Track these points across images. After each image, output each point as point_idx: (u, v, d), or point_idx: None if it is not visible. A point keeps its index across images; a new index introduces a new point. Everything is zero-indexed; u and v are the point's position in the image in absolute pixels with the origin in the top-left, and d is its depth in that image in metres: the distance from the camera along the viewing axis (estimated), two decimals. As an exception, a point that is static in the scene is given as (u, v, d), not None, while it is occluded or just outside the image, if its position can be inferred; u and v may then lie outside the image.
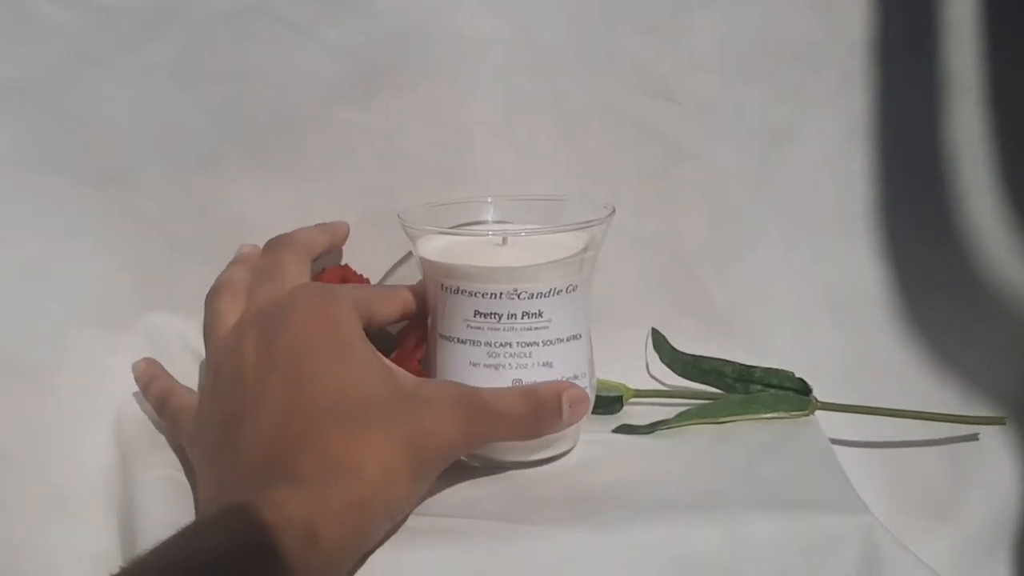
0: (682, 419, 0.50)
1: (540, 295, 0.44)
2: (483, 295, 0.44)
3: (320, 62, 0.50)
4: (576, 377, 0.46)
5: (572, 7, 0.52)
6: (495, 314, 0.44)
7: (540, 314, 0.44)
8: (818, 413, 0.51)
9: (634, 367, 0.54)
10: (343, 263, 0.52)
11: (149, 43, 0.49)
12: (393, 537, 0.40)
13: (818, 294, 0.55)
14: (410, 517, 0.41)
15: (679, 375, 0.53)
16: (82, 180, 0.50)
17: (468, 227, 0.48)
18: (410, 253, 0.51)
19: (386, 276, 0.54)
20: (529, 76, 0.52)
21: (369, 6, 0.50)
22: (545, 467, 0.46)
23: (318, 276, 0.51)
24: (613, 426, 0.50)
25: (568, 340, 0.45)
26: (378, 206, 0.51)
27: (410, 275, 0.53)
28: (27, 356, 0.49)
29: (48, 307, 0.50)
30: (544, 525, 0.41)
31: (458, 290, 0.45)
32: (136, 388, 0.51)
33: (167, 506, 0.43)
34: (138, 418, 0.50)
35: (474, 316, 0.44)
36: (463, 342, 0.45)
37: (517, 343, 0.44)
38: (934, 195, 0.55)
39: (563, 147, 0.53)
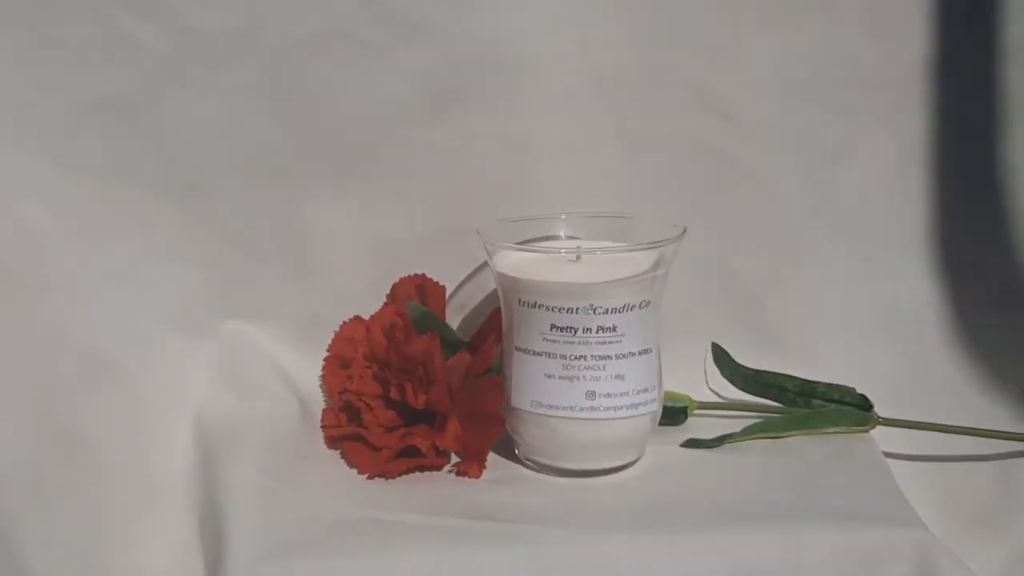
0: (750, 433, 0.51)
1: (614, 310, 0.46)
2: (560, 309, 0.46)
3: (393, 83, 0.52)
4: (646, 390, 0.47)
5: (633, 29, 0.53)
6: (571, 328, 0.46)
7: (614, 328, 0.46)
8: (877, 429, 0.52)
9: (693, 381, 0.55)
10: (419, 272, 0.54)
11: (232, 63, 0.51)
12: (461, 540, 0.42)
13: (873, 311, 0.56)
14: (475, 522, 0.43)
15: (740, 388, 0.54)
16: (168, 192, 0.52)
17: (542, 243, 0.50)
18: (481, 266, 0.53)
19: (461, 286, 0.55)
20: (592, 96, 0.53)
21: (441, 29, 0.52)
22: (611, 476, 0.48)
23: (396, 286, 0.53)
24: (677, 437, 0.51)
25: (640, 354, 0.47)
26: (446, 220, 0.53)
27: (480, 287, 0.54)
28: (114, 356, 0.51)
29: (134, 311, 0.52)
30: (610, 532, 0.43)
31: (535, 304, 0.46)
32: (214, 389, 0.52)
33: (247, 506, 0.45)
34: (219, 419, 0.51)
35: (550, 330, 0.46)
36: (539, 355, 0.47)
37: (591, 356, 0.46)
38: (990, 214, 0.56)
39: (624, 165, 0.54)
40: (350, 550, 0.42)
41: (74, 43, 0.50)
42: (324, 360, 0.53)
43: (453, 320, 0.55)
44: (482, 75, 0.52)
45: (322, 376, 0.53)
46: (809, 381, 0.53)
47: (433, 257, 0.54)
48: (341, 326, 0.53)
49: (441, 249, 0.54)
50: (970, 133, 0.56)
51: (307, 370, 0.54)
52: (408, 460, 0.48)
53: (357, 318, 0.53)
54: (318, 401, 0.54)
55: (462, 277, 0.55)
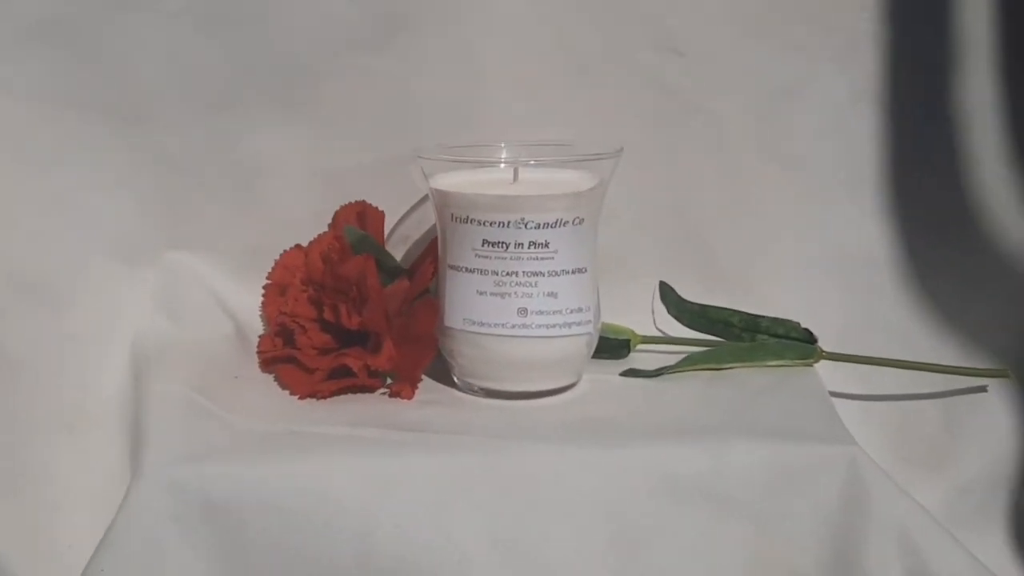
0: (687, 363, 0.51)
1: (546, 225, 0.45)
2: (491, 224, 0.45)
3: (338, 7, 0.52)
4: (580, 310, 0.47)
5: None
6: (502, 243, 0.45)
7: (546, 244, 0.46)
8: (822, 368, 0.52)
9: (641, 320, 0.55)
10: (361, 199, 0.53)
11: (172, -13, 0.51)
12: (383, 448, 0.41)
13: (823, 251, 0.56)
14: (399, 432, 0.42)
15: (686, 325, 0.54)
16: (109, 117, 0.52)
17: (480, 162, 0.49)
18: (425, 198, 0.53)
19: (406, 216, 0.55)
20: (539, 24, 0.53)
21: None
22: (545, 399, 0.47)
23: (337, 213, 0.53)
24: (618, 369, 0.51)
25: (574, 273, 0.46)
26: (393, 148, 0.52)
27: (425, 218, 0.54)
28: (48, 280, 0.51)
29: (71, 236, 0.52)
30: (538, 442, 0.43)
31: (467, 219, 0.46)
32: (153, 318, 0.52)
33: (173, 418, 0.44)
34: (153, 344, 0.51)
35: (482, 245, 0.46)
36: (471, 271, 0.46)
37: (523, 272, 0.46)
38: (941, 157, 0.55)
39: (572, 94, 0.54)
40: (267, 457, 0.42)
41: (15, -36, 0.50)
42: (264, 288, 0.53)
43: (397, 251, 0.55)
44: (429, 1, 0.52)
45: (262, 304, 0.53)
46: (754, 316, 0.53)
47: (379, 187, 0.53)
48: (282, 254, 0.53)
49: (387, 179, 0.53)
50: (922, 72, 0.55)
51: (248, 300, 0.54)
52: (340, 380, 0.48)
53: (298, 246, 0.53)
54: (258, 329, 0.54)
55: (407, 208, 0.55)
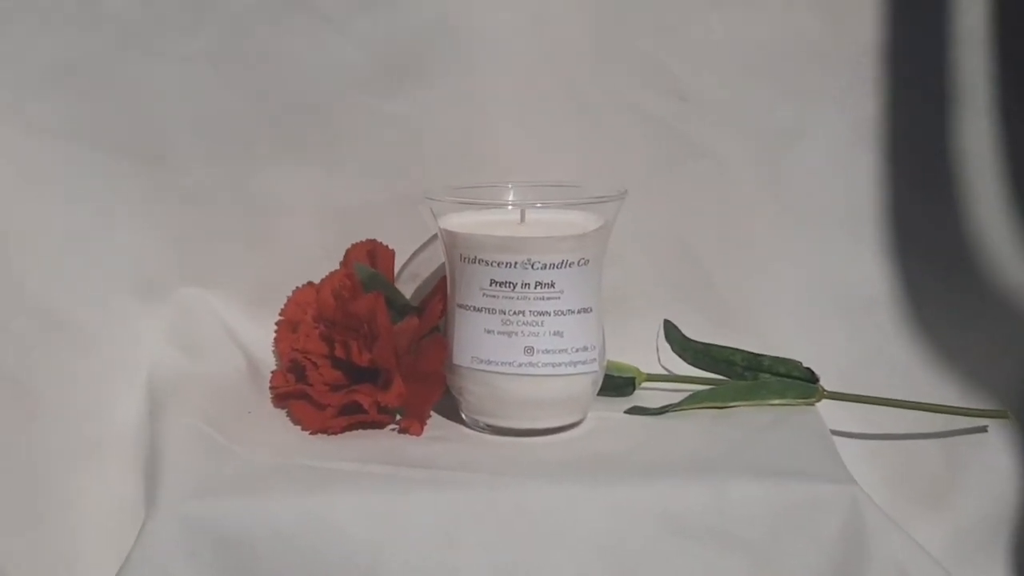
0: (691, 402, 0.52)
1: (552, 266, 0.46)
2: (498, 264, 0.46)
3: (350, 52, 0.53)
4: (586, 348, 0.48)
5: (588, 4, 0.54)
6: (509, 283, 0.46)
7: (552, 285, 0.46)
8: (823, 407, 0.52)
9: (646, 358, 0.55)
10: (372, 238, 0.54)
11: (191, 31, 0.52)
12: (392, 484, 0.42)
13: (824, 291, 0.57)
14: (408, 468, 0.43)
15: (690, 364, 0.54)
16: (127, 157, 0.53)
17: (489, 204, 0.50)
18: (434, 236, 0.54)
19: (416, 254, 0.56)
20: (546, 70, 0.54)
21: (396, 0, 0.52)
22: (551, 436, 0.48)
23: (348, 251, 0.54)
24: (623, 407, 0.52)
25: (579, 312, 0.47)
26: (402, 189, 0.54)
27: (434, 256, 0.55)
28: (67, 314, 0.52)
29: (91, 273, 0.53)
30: (543, 479, 0.43)
31: (475, 259, 0.47)
32: (168, 352, 0.53)
33: (187, 452, 0.45)
34: (168, 378, 0.52)
35: (490, 285, 0.47)
36: (479, 310, 0.47)
37: (530, 312, 0.46)
38: (940, 197, 0.56)
39: (578, 138, 0.55)
40: (278, 491, 0.43)
41: (40, 6, 0.51)
42: (276, 325, 0.54)
43: (407, 288, 0.56)
44: (438, 46, 0.53)
45: (274, 340, 0.54)
46: (756, 355, 0.53)
47: (389, 226, 0.55)
48: (294, 291, 0.54)
49: (397, 218, 0.55)
50: (921, 117, 0.56)
51: (260, 336, 0.55)
52: (351, 416, 0.49)
53: (310, 283, 0.54)
54: (270, 365, 0.54)
55: (417, 246, 0.56)
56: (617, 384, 0.53)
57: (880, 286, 0.56)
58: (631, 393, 0.53)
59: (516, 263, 0.46)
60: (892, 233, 0.57)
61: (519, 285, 0.46)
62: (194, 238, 0.55)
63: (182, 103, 0.53)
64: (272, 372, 0.53)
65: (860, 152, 0.56)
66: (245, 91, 0.53)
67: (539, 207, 0.49)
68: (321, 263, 0.54)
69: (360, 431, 0.49)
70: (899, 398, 0.52)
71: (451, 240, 0.48)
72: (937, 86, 0.56)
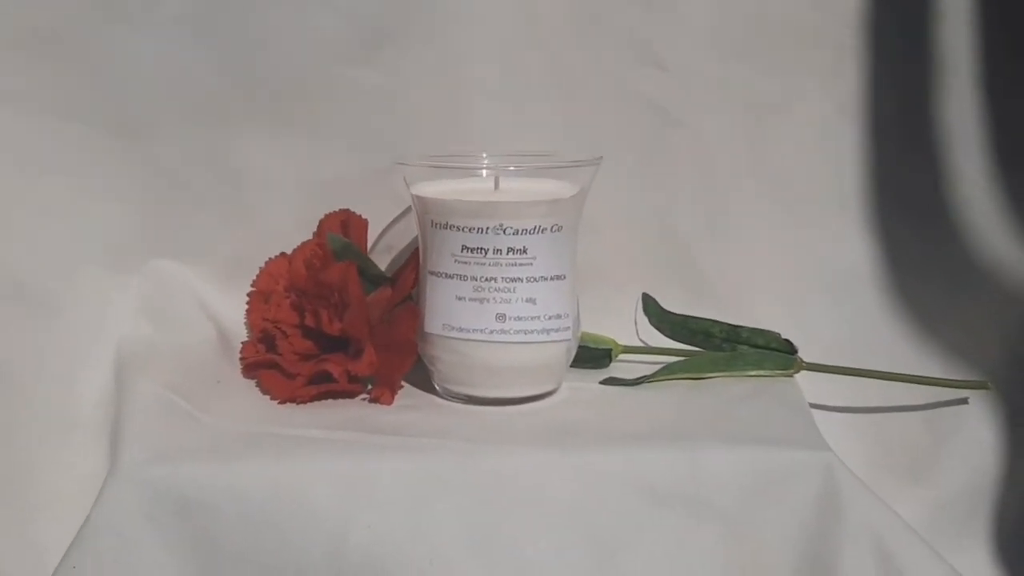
0: (666, 373, 0.51)
1: (525, 231, 0.46)
2: (470, 229, 0.46)
3: (326, 21, 0.52)
4: (559, 316, 0.47)
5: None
6: (481, 249, 0.46)
7: (524, 251, 0.46)
8: (804, 381, 0.52)
9: (623, 332, 0.55)
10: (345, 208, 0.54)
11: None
12: (360, 450, 0.41)
13: (806, 265, 0.56)
14: (378, 436, 0.42)
15: (668, 336, 0.54)
16: (101, 127, 0.52)
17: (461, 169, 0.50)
18: (409, 208, 0.53)
19: (391, 226, 0.55)
20: (526, 40, 0.53)
21: (377, -34, 0.52)
22: (524, 405, 0.48)
23: (321, 221, 0.53)
24: (599, 378, 0.51)
25: (552, 279, 0.47)
26: (378, 160, 0.53)
27: (409, 228, 0.54)
28: (38, 286, 0.51)
29: (60, 242, 0.52)
30: (515, 447, 0.43)
31: (446, 225, 0.46)
32: (138, 324, 0.52)
33: (152, 419, 0.44)
34: (137, 350, 0.51)
35: (461, 251, 0.46)
36: (450, 277, 0.46)
37: (502, 278, 0.46)
38: (924, 172, 0.55)
39: (556, 110, 0.54)
40: (243, 457, 0.42)
41: (9, -27, 0.50)
42: (248, 296, 0.53)
43: (381, 260, 0.56)
44: (416, 16, 0.52)
45: (246, 312, 0.53)
46: (735, 326, 0.53)
47: (365, 197, 0.54)
48: (267, 263, 0.53)
49: (372, 189, 0.54)
50: (904, 92, 0.55)
51: (233, 308, 0.54)
52: (320, 386, 0.48)
53: (283, 254, 0.53)
54: (242, 336, 0.54)
55: (392, 217, 0.55)
56: (594, 356, 0.52)
57: (862, 259, 0.56)
58: (608, 365, 0.53)
59: (488, 228, 0.45)
60: (875, 207, 0.56)
61: (491, 251, 0.46)
62: (167, 210, 0.54)
63: (156, 73, 0.52)
64: (243, 343, 0.52)
65: (843, 126, 0.55)
66: (220, 61, 0.52)
67: (512, 171, 0.48)
68: (296, 235, 0.54)
69: (330, 401, 0.48)
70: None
71: (423, 207, 0.48)
72: (921, 60, 0.55)
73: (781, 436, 0.44)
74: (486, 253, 0.46)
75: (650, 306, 0.54)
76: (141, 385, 0.47)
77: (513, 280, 0.46)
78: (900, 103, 0.55)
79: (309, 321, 0.49)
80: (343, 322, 0.48)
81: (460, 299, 0.46)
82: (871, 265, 0.56)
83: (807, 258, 0.56)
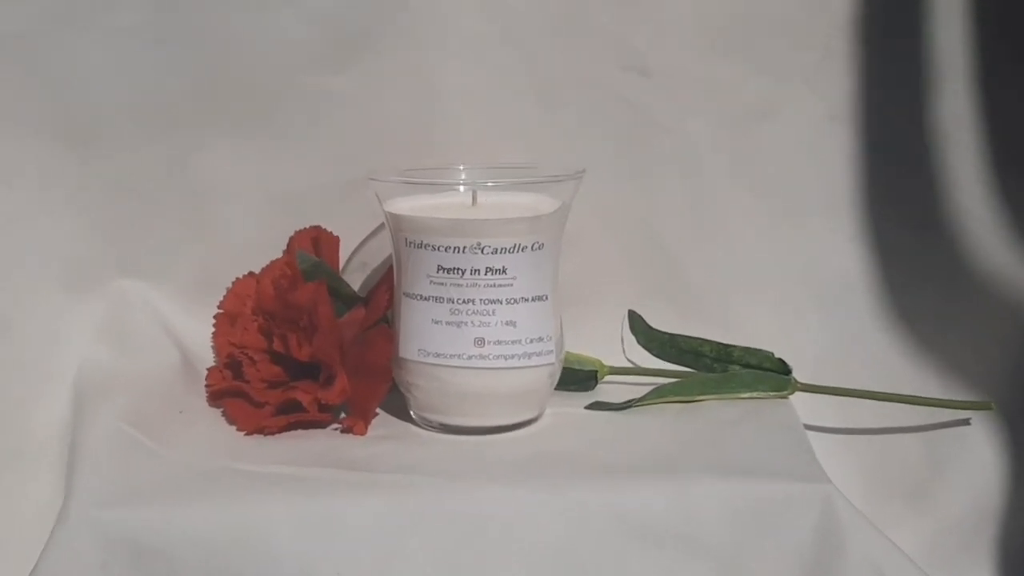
0: (655, 396, 0.49)
1: (504, 250, 0.43)
2: (446, 249, 0.43)
3: (294, 27, 0.50)
4: (541, 339, 0.45)
5: (545, -25, 0.51)
6: (458, 269, 0.43)
7: (504, 271, 0.44)
8: (797, 399, 0.50)
9: (609, 351, 0.53)
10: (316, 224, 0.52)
11: (124, 3, 0.49)
12: (328, 488, 0.39)
13: (797, 277, 0.54)
14: (347, 472, 0.40)
15: (656, 355, 0.52)
16: (56, 137, 0.50)
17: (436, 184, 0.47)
18: (382, 225, 0.51)
19: (364, 242, 0.53)
20: (500, 43, 0.51)
21: (346, -31, 0.50)
22: (505, 434, 0.45)
23: (291, 238, 0.51)
24: (584, 402, 0.49)
25: (533, 300, 0.45)
26: (350, 173, 0.51)
27: (385, 245, 0.51)
28: (-5, 308, 0.48)
29: (16, 263, 0.49)
30: (490, 482, 0.40)
31: (421, 244, 0.44)
32: (98, 348, 0.50)
33: (107, 456, 0.42)
34: (96, 377, 0.48)
35: (437, 272, 0.44)
36: (426, 299, 0.44)
37: (480, 300, 0.44)
38: (918, 178, 0.54)
39: (535, 117, 0.52)
40: (202, 498, 0.40)
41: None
42: (215, 318, 0.51)
43: (355, 279, 0.53)
44: (389, 18, 0.50)
45: (213, 335, 0.51)
46: (726, 345, 0.51)
47: (337, 212, 0.52)
48: (234, 282, 0.51)
49: (345, 203, 0.52)
50: (897, 94, 0.53)
51: (199, 330, 0.52)
52: (289, 415, 0.46)
53: (251, 273, 0.51)
54: (208, 361, 0.51)
55: (367, 234, 0.53)
56: (578, 378, 0.50)
57: (856, 271, 0.54)
58: (593, 387, 0.51)
59: (465, 247, 0.43)
60: (868, 216, 0.54)
61: (468, 271, 0.43)
62: (128, 225, 0.52)
63: (115, 81, 0.50)
64: (208, 369, 0.50)
65: (834, 131, 0.53)
66: (183, 68, 0.50)
67: (491, 187, 0.46)
68: (265, 252, 0.51)
69: (300, 431, 0.46)
70: (877, 390, 0.50)
71: (396, 224, 0.45)
72: (914, 61, 0.53)
73: (777, 466, 0.42)
74: (463, 273, 0.43)
75: (637, 324, 0.52)
76: (98, 418, 0.45)
77: (492, 302, 0.44)
78: (892, 105, 0.54)
79: (277, 346, 0.47)
80: (313, 347, 0.46)
81: (436, 322, 0.44)
82: (864, 274, 0.54)
83: (797, 269, 0.54)
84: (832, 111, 0.53)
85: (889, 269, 0.54)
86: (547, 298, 0.45)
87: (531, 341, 0.44)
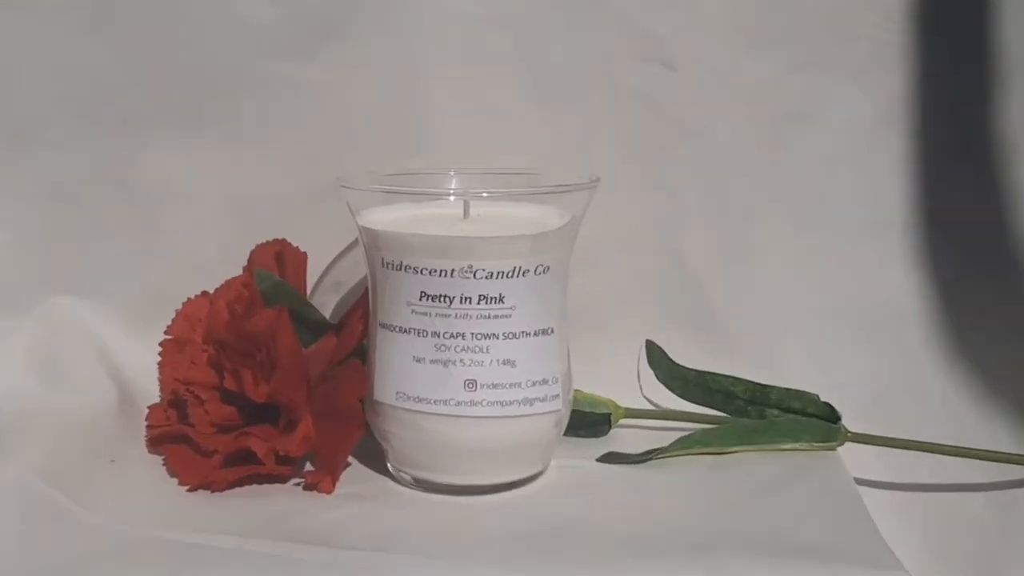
0: (682, 446, 0.43)
1: (501, 275, 0.37)
2: (431, 272, 0.37)
3: (256, 8, 0.46)
4: (546, 382, 0.38)
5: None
6: (445, 296, 0.37)
7: (501, 299, 0.37)
8: (845, 447, 0.44)
9: (624, 386, 0.48)
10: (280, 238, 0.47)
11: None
12: (284, 570, 0.33)
13: (842, 306, 0.49)
14: (304, 547, 0.34)
15: (679, 395, 0.46)
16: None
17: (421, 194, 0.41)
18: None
19: (334, 263, 0.48)
20: (497, 28, 0.47)
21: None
22: (499, 494, 0.39)
23: (252, 254, 0.46)
24: (597, 452, 0.43)
25: (536, 335, 0.38)
26: (321, 178, 0.45)
27: (359, 265, 0.45)
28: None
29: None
30: (475, 565, 0.34)
31: (402, 266, 0.38)
32: (23, 380, 0.45)
33: (13, 521, 0.36)
34: (15, 417, 0.42)
35: (420, 299, 0.38)
36: (406, 331, 0.38)
37: (472, 335, 0.37)
38: (980, 190, 0.49)
39: (539, 117, 0.48)
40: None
41: None
42: (161, 345, 0.44)
43: (326, 302, 0.48)
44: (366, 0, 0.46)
45: (159, 365, 0.44)
46: (763, 386, 0.45)
47: (305, 224, 0.47)
48: (185, 303, 0.45)
49: (314, 214, 0.47)
50: (958, 95, 0.49)
51: (143, 359, 0.46)
52: (240, 468, 0.39)
53: (205, 293, 0.45)
54: (152, 397, 0.45)
55: (340, 249, 0.48)
56: (589, 421, 0.45)
57: (907, 297, 0.49)
58: (606, 433, 0.45)
59: (454, 271, 0.37)
60: (924, 237, 0.49)
61: (458, 299, 0.37)
62: (66, 237, 0.47)
63: (49, 70, 0.45)
64: (150, 407, 0.44)
65: (883, 136, 0.49)
66: (128, 57, 0.46)
67: (486, 196, 0.40)
68: (223, 268, 0.46)
69: (254, 486, 0.39)
70: (936, 440, 0.44)
71: (372, 241, 0.39)
72: (976, 59, 0.49)
73: (835, 545, 0.35)
74: (451, 302, 0.37)
75: (656, 357, 0.46)
76: (6, 470, 0.38)
77: (486, 336, 0.37)
78: (951, 109, 0.49)
79: (229, 383, 0.40)
80: (271, 385, 0.40)
81: (418, 360, 0.38)
82: (917, 305, 0.49)
83: (842, 296, 0.49)
84: (882, 114, 0.48)
85: (949, 299, 0.49)
86: (552, 332, 0.39)
87: (533, 384, 0.38)
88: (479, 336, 0.37)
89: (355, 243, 0.47)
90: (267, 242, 0.46)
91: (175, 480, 0.40)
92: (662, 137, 0.48)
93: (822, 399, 0.45)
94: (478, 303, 0.37)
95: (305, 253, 0.46)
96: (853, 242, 0.50)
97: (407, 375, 0.38)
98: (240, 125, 0.46)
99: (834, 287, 0.49)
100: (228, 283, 0.45)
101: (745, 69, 0.48)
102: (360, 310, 0.42)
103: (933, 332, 0.49)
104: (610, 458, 0.42)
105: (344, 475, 0.39)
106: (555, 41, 0.47)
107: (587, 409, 0.44)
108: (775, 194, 0.49)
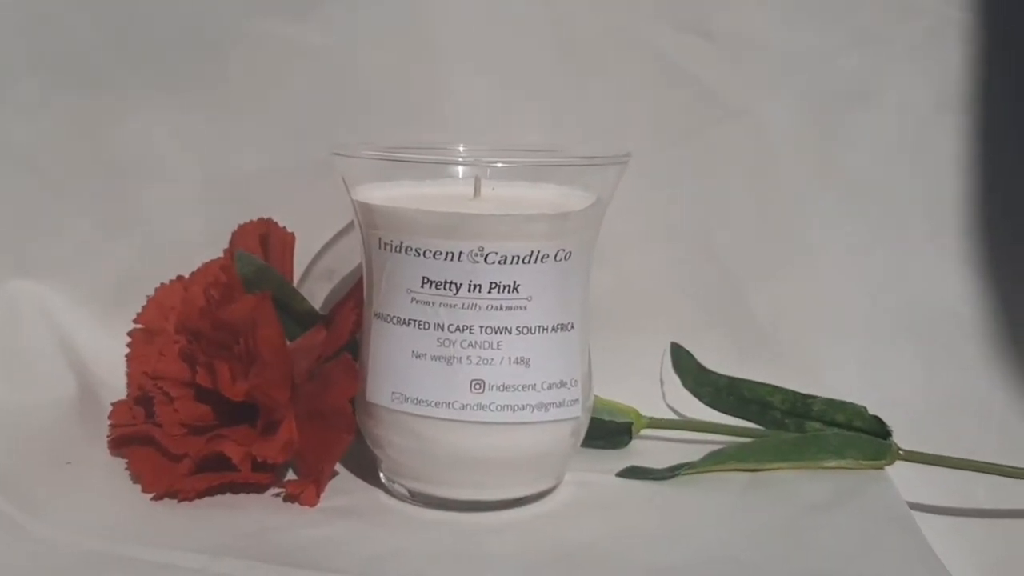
0: (712, 462, 0.40)
1: (516, 259, 0.33)
2: (436, 255, 0.33)
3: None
4: (564, 384, 0.35)
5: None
6: (451, 283, 0.33)
7: (515, 287, 0.34)
8: (894, 466, 0.41)
9: (646, 392, 0.45)
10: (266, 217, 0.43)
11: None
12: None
13: (893, 310, 0.47)
14: (280, 569, 0.31)
15: (708, 404, 0.44)
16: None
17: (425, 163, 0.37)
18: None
19: (326, 247, 0.45)
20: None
21: None
22: (508, 512, 0.36)
23: (235, 234, 0.43)
24: (616, 465, 0.40)
25: (554, 330, 0.34)
26: (313, 150, 0.41)
27: (356, 250, 0.40)
28: None
29: None
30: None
31: (401, 247, 0.34)
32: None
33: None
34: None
35: (422, 286, 0.34)
36: (406, 323, 0.34)
37: (481, 328, 0.34)
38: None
39: (563, 90, 0.45)
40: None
41: None
42: (130, 335, 0.41)
43: (317, 290, 0.45)
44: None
45: (127, 356, 0.41)
46: (803, 395, 0.43)
47: (294, 201, 0.44)
48: (158, 288, 0.41)
49: (306, 190, 0.44)
50: (1025, 78, 0.46)
51: (111, 349, 0.43)
52: (212, 475, 0.35)
53: (180, 278, 0.42)
54: (119, 392, 0.41)
55: (335, 232, 0.44)
56: (608, 431, 0.42)
57: (964, 301, 0.47)
58: (627, 444, 0.42)
59: (461, 254, 0.33)
60: (982, 230, 0.46)
61: (466, 286, 0.33)
62: (30, 214, 0.44)
63: (10, 28, 0.43)
64: (115, 404, 0.40)
65: (943, 122, 0.46)
66: (99, 17, 0.43)
67: (500, 169, 0.36)
68: (202, 250, 0.43)
69: (228, 496, 0.36)
70: (994, 460, 0.41)
71: (368, 218, 0.35)
72: None
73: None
74: (458, 289, 0.33)
75: (683, 361, 0.44)
76: None
77: (497, 331, 0.34)
78: (1018, 94, 0.46)
79: (202, 379, 0.37)
80: (250, 381, 0.36)
81: (419, 356, 0.34)
82: (977, 309, 0.46)
83: (894, 299, 0.46)
84: (943, 97, 0.46)
85: (1010, 303, 0.46)
86: (573, 327, 0.35)
87: (549, 387, 0.34)
88: (489, 330, 0.33)
89: (351, 226, 0.42)
90: (251, 221, 0.42)
91: (138, 487, 0.36)
92: (699, 116, 0.45)
93: (873, 414, 0.42)
94: (489, 292, 0.33)
95: (293, 235, 0.42)
96: (908, 240, 0.47)
97: (405, 373, 0.34)
98: (226, 90, 0.44)
99: (886, 289, 0.47)
100: (206, 266, 0.41)
101: (793, 43, 0.45)
102: (353, 299, 0.38)
103: (991, 340, 0.46)
104: (631, 473, 0.39)
105: (330, 486, 0.36)
106: (581, 5, 0.44)
107: (606, 417, 0.42)
108: (824, 183, 0.46)
